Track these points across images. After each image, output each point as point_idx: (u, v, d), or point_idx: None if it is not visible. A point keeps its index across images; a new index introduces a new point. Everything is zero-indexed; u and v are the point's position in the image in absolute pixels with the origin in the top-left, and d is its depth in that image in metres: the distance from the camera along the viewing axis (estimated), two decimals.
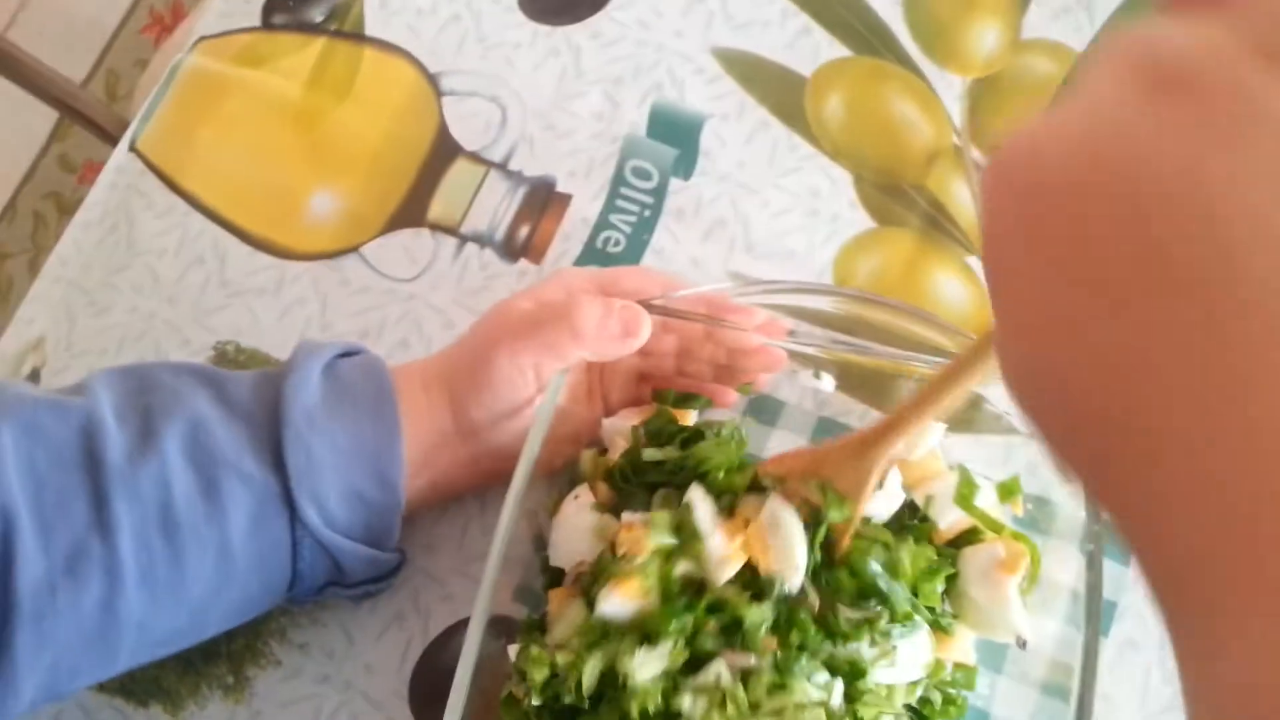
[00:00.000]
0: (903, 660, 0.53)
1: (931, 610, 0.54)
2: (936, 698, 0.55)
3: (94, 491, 0.50)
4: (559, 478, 0.59)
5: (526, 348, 0.54)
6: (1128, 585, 0.60)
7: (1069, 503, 0.59)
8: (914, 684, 0.54)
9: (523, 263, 0.69)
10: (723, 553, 0.50)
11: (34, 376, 0.70)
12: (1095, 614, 0.50)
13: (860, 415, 0.63)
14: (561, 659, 0.51)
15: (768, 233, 0.68)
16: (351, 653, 0.62)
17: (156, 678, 0.63)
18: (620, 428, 0.58)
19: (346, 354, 0.59)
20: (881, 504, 0.56)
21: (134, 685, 0.63)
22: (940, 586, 0.55)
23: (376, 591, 0.59)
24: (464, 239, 0.70)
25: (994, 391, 0.59)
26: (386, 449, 0.54)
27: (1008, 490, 0.57)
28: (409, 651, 0.62)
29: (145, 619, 0.51)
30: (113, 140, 1.08)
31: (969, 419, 0.61)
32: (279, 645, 0.63)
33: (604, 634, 0.51)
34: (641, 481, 0.56)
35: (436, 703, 0.61)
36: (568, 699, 0.51)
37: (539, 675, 0.51)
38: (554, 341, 0.54)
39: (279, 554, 0.54)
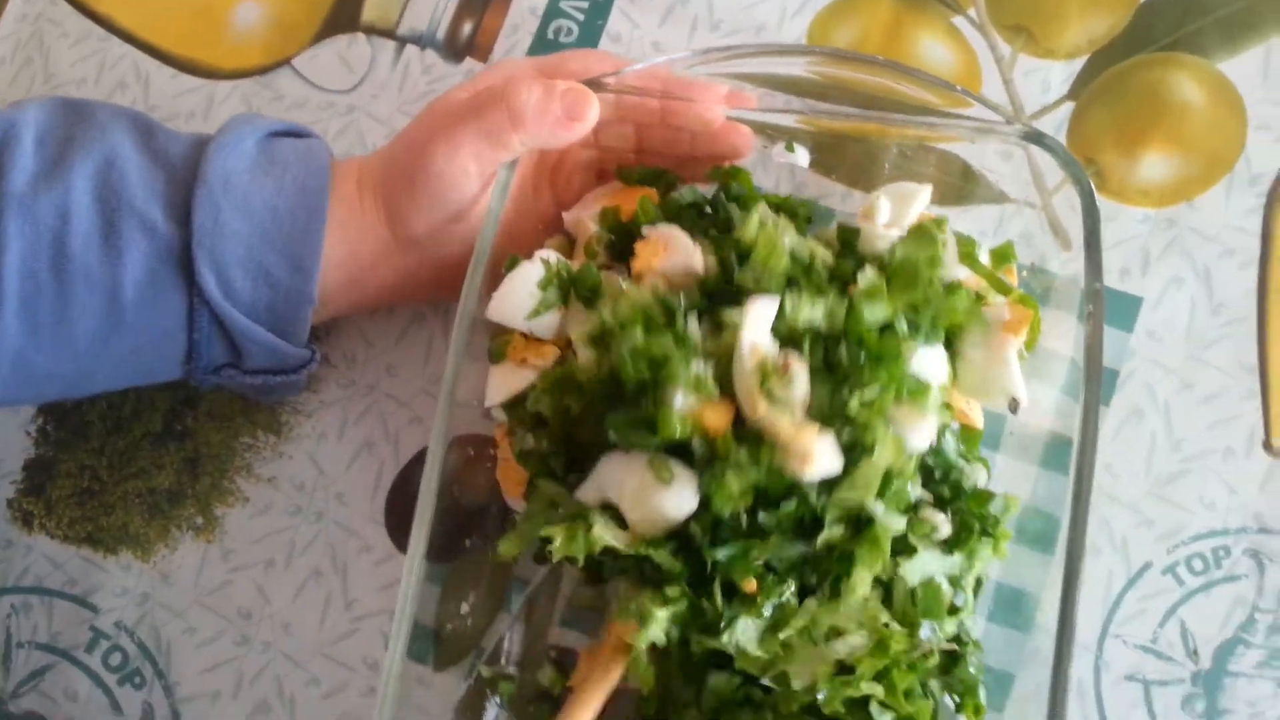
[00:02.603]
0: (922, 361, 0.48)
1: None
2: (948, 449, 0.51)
3: None
4: None
5: (463, 138, 0.49)
6: (1130, 353, 0.56)
7: (1065, 271, 0.55)
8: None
9: (468, 62, 0.64)
10: None
11: None
12: (1096, 372, 0.47)
13: (841, 196, 0.58)
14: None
15: (733, 5, 0.62)
16: (322, 483, 0.59)
17: (124, 524, 0.60)
18: (586, 215, 0.53)
19: (293, 135, 0.54)
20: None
21: (101, 534, 0.61)
22: None
23: (279, 386, 0.54)
24: (403, 41, 0.65)
25: (985, 157, 0.55)
26: (304, 232, 0.50)
27: (1001, 256, 0.53)
28: (381, 478, 0.59)
29: (24, 351, 0.49)
30: None
31: (960, 191, 0.56)
32: (246, 481, 0.60)
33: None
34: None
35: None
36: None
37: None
38: (492, 129, 0.49)
39: (173, 316, 0.50)
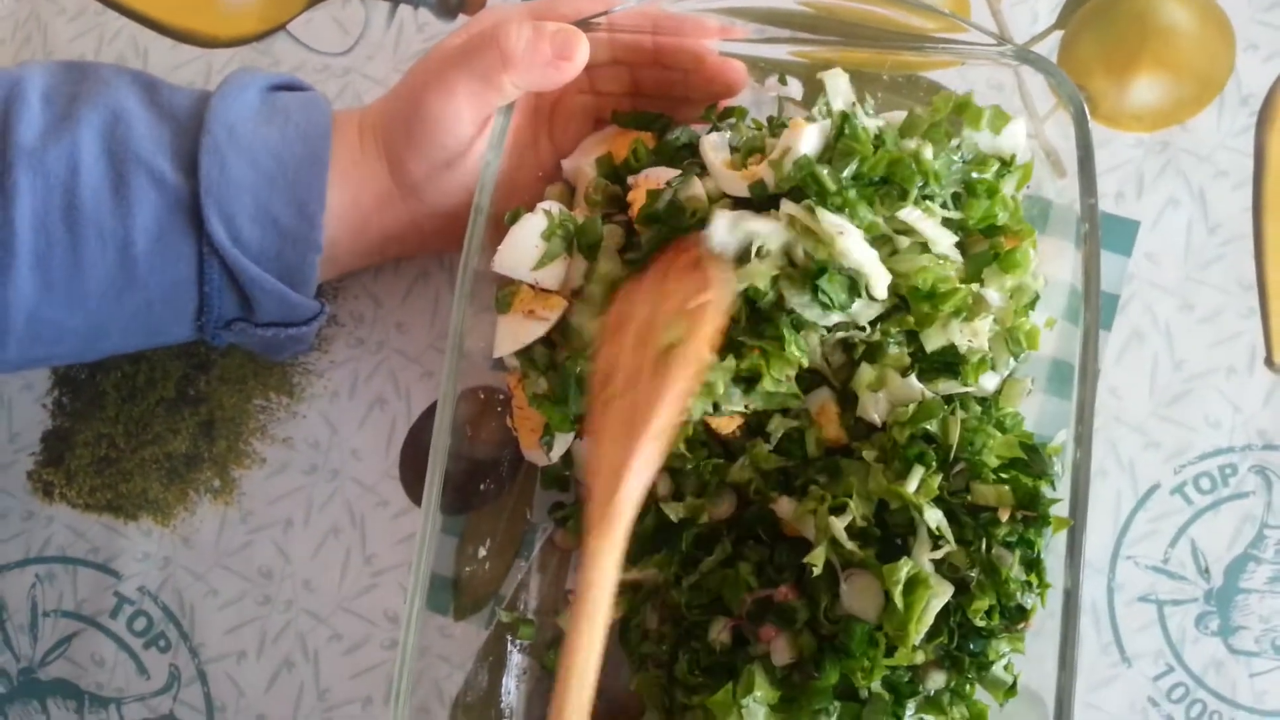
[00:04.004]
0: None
1: None
2: None
3: None
4: None
5: (457, 82, 0.50)
6: (1129, 276, 0.57)
7: (1061, 198, 0.55)
8: None
9: (461, 19, 0.64)
10: None
11: None
12: (1094, 287, 0.48)
13: None
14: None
15: None
16: (336, 441, 0.60)
17: (143, 490, 0.61)
18: (584, 162, 0.54)
19: (292, 89, 0.55)
20: None
21: (121, 501, 0.61)
22: None
23: (290, 340, 0.55)
24: (395, 1, 0.65)
25: (975, 86, 0.55)
26: (308, 178, 0.51)
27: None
28: (394, 433, 0.60)
29: (37, 310, 0.49)
30: None
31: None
32: (261, 442, 0.61)
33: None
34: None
35: None
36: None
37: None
38: (484, 71, 0.49)
39: (184, 267, 0.51)
